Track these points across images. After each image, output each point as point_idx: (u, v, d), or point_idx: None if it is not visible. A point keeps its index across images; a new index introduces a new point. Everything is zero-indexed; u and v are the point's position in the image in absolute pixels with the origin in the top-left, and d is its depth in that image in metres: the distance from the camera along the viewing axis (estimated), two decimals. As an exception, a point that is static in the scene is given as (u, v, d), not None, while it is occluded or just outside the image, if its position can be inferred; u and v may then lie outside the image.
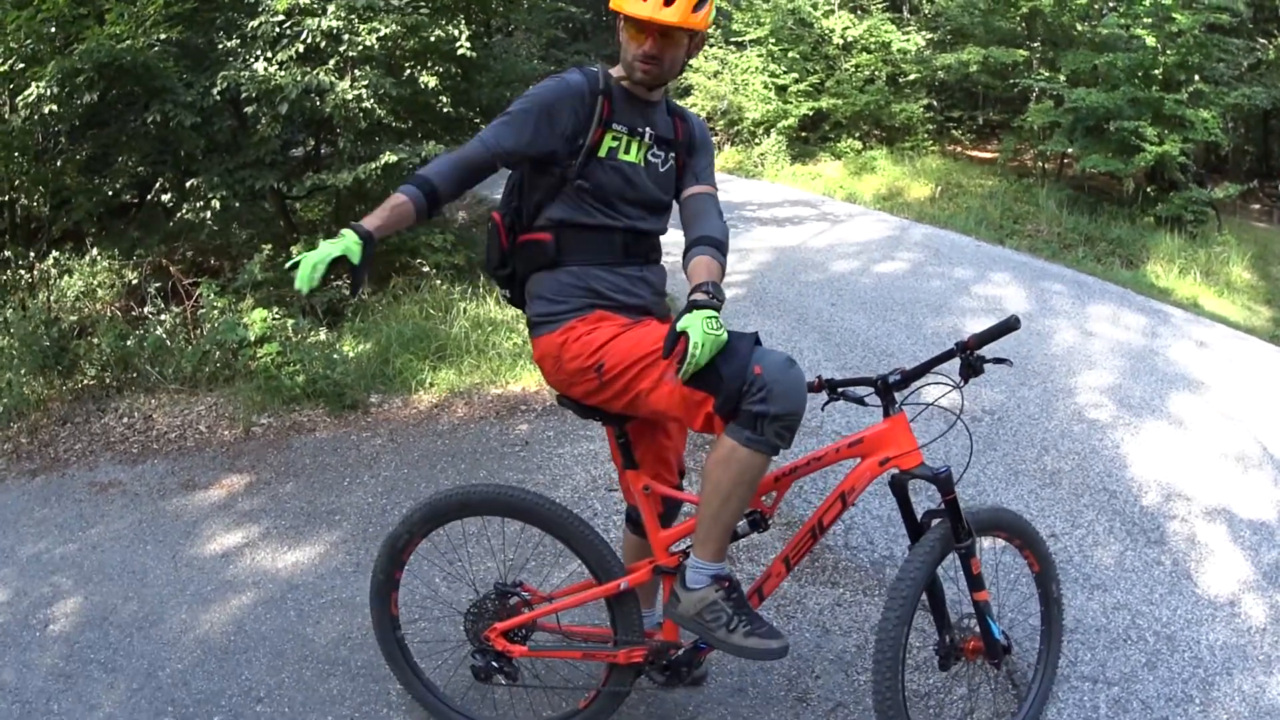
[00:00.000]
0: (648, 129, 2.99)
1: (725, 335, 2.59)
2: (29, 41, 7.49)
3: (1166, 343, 7.96)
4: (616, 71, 3.04)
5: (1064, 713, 3.46)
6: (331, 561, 4.68)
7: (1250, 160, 20.55)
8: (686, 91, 20.51)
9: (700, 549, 2.81)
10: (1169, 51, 14.57)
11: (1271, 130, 20.18)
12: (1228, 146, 17.91)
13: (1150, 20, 14.64)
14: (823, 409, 3.46)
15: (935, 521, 2.92)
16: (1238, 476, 5.52)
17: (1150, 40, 14.45)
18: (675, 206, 3.12)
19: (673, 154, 3.07)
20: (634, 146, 2.97)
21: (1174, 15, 14.22)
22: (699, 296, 2.68)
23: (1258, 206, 18.73)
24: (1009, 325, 2.84)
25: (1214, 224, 15.07)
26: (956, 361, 2.92)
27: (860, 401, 3.00)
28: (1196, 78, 15.07)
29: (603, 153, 2.92)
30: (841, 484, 2.92)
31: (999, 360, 2.98)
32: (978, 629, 3.00)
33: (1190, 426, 6.22)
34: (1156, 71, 14.68)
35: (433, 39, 8.71)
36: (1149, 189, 15.61)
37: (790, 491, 3.04)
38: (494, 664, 3.18)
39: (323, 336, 7.56)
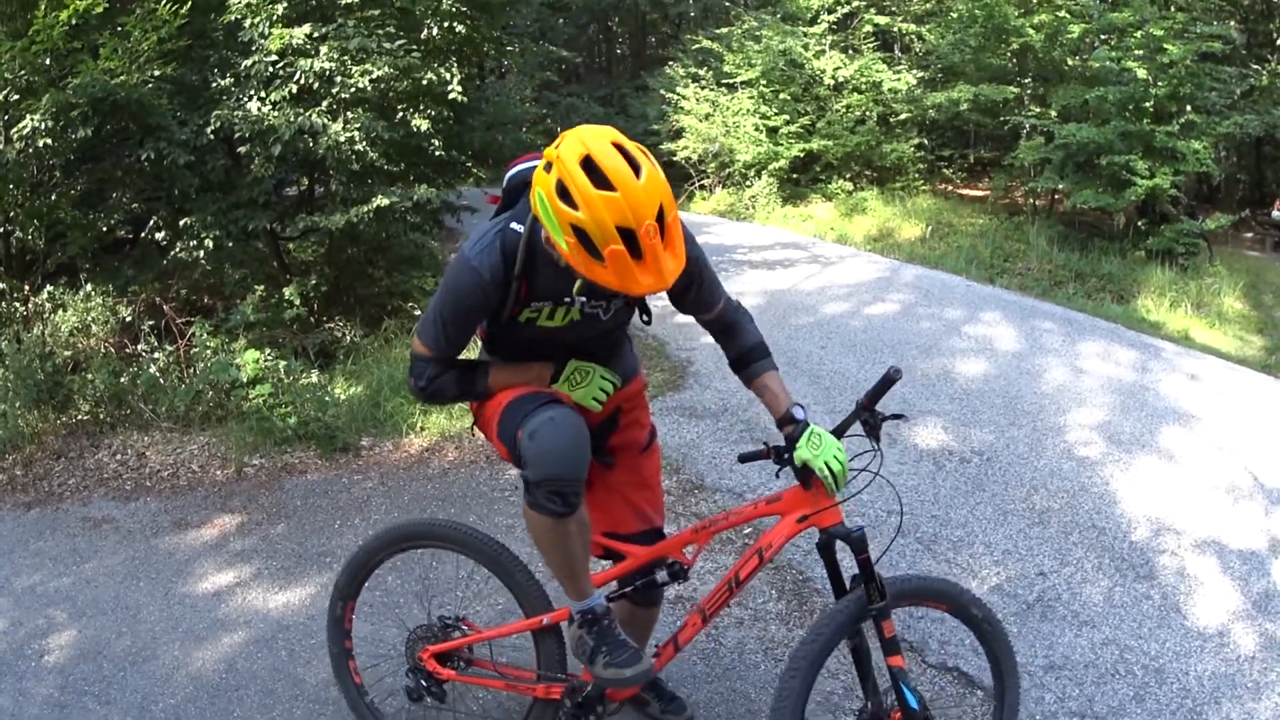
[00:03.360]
0: (577, 299, 2.74)
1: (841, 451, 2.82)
2: (23, 73, 7.52)
3: (1157, 377, 7.99)
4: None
5: (1052, 748, 3.46)
6: (322, 603, 4.65)
7: (1243, 189, 20.62)
8: (678, 134, 20.59)
9: (566, 592, 2.99)
10: (1160, 83, 14.65)
11: (1264, 157, 20.25)
12: (1219, 176, 18.00)
13: (1141, 52, 14.72)
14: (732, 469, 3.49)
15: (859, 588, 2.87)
16: (1228, 508, 5.54)
17: (1141, 73, 14.52)
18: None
19: (622, 297, 2.86)
20: (559, 313, 2.83)
21: (1166, 46, 14.31)
22: (798, 413, 2.90)
23: (1250, 235, 18.78)
24: (889, 378, 2.89)
25: (1205, 255, 15.12)
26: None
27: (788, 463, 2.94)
28: (1189, 108, 15.17)
29: (522, 319, 2.84)
30: (759, 540, 2.98)
31: (897, 416, 3.08)
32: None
33: (1181, 460, 6.23)
34: (1148, 104, 14.75)
35: (425, 82, 8.78)
36: (1140, 223, 15.69)
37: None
38: (424, 683, 3.27)
39: (315, 379, 7.56)
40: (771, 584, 4.63)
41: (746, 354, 3.03)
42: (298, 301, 8.70)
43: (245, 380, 6.87)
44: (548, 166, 2.44)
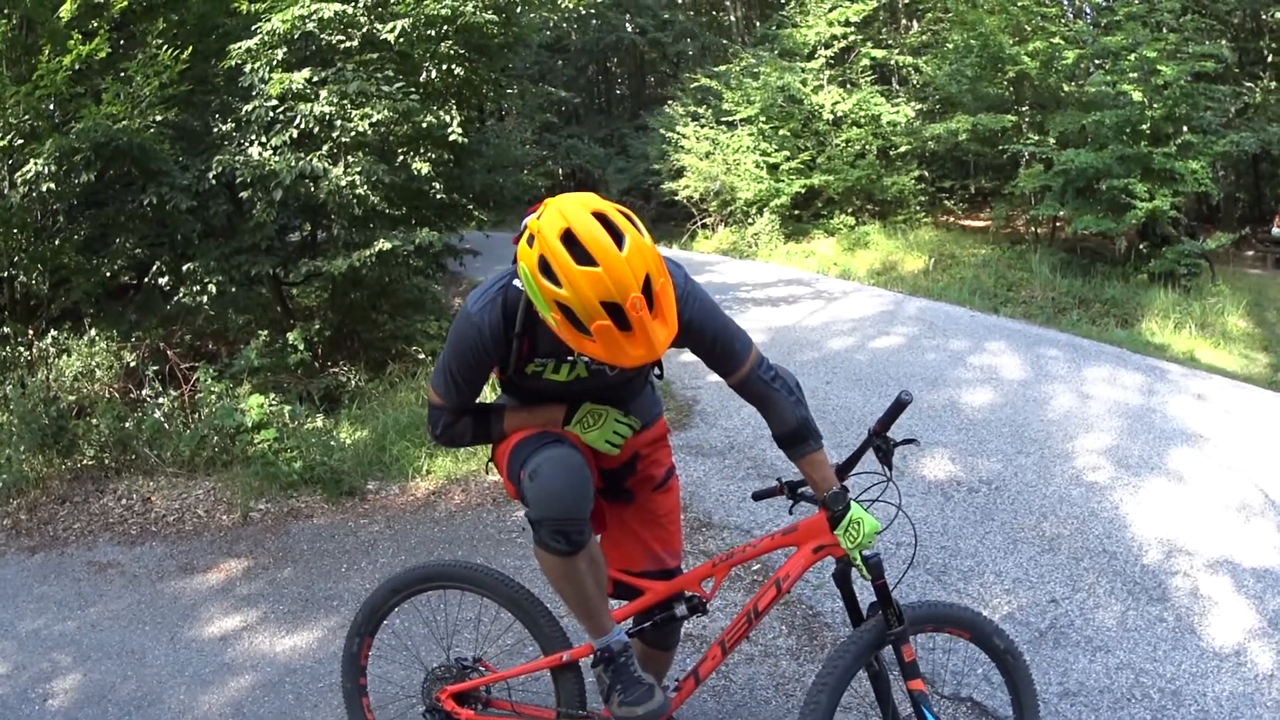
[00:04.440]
0: (580, 358, 2.77)
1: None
2: (27, 117, 7.59)
3: (1164, 399, 7.95)
4: None
5: (1069, 774, 3.42)
6: (329, 647, 4.65)
7: (1242, 207, 20.59)
8: (679, 174, 20.63)
9: (585, 629, 2.97)
10: (1156, 105, 14.67)
11: (1262, 175, 20.23)
12: (1218, 196, 18.01)
13: (1136, 75, 14.74)
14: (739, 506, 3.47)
15: (878, 615, 2.90)
16: (1240, 526, 5.49)
17: (1137, 95, 14.55)
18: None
19: None
20: (564, 368, 2.80)
21: (1159, 67, 14.35)
22: (835, 502, 2.86)
23: (1251, 253, 18.71)
24: (901, 403, 2.95)
25: (1208, 275, 15.09)
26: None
27: (806, 499, 3.05)
28: (1185, 129, 15.17)
29: (529, 372, 2.82)
30: (777, 571, 3.01)
31: (909, 441, 3.10)
32: None
33: (1190, 481, 6.19)
34: (1144, 126, 14.76)
35: (425, 125, 8.82)
36: (1141, 246, 15.67)
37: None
38: None
39: (320, 423, 7.57)
40: (781, 619, 4.60)
41: (784, 439, 2.94)
42: (302, 346, 8.71)
43: (250, 425, 6.88)
44: (530, 240, 2.41)
